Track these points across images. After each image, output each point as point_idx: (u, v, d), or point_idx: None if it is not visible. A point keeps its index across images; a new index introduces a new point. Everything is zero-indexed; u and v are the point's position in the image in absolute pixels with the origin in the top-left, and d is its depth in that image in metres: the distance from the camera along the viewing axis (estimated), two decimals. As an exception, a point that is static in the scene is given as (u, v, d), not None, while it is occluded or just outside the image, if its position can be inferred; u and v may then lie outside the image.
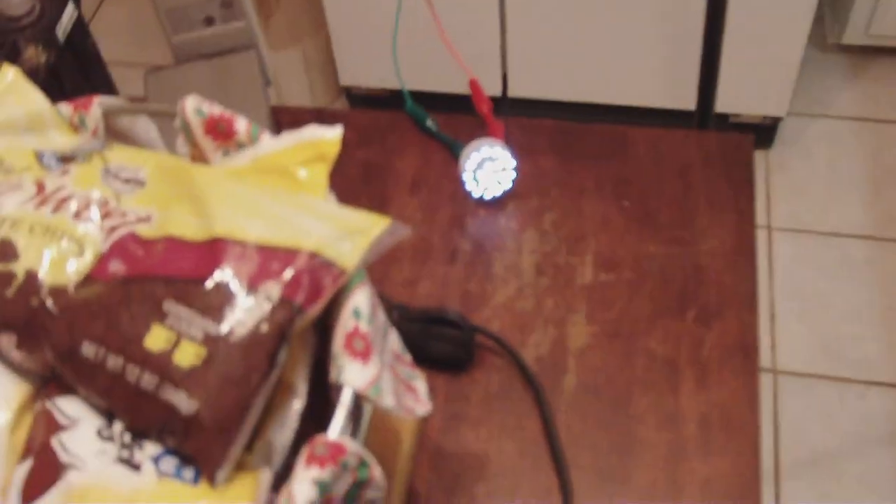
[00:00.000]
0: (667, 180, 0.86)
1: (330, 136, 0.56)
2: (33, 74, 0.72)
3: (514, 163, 0.84)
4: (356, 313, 0.51)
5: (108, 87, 0.85)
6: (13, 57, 0.72)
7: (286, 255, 0.50)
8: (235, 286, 0.49)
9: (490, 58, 1.77)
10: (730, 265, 0.81)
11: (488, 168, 0.83)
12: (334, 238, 0.52)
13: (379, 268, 0.82)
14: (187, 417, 0.47)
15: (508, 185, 0.85)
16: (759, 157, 1.86)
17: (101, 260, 0.53)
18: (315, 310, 0.50)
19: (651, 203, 0.85)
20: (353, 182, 0.88)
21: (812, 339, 1.64)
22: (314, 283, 0.50)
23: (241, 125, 0.59)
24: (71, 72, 0.77)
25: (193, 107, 0.59)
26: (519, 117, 0.91)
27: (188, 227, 0.53)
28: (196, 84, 0.88)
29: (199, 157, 0.61)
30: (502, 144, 0.84)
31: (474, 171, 0.83)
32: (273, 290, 0.49)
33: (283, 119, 0.93)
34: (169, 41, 0.90)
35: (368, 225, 0.53)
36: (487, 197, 0.85)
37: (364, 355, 0.50)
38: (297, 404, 0.52)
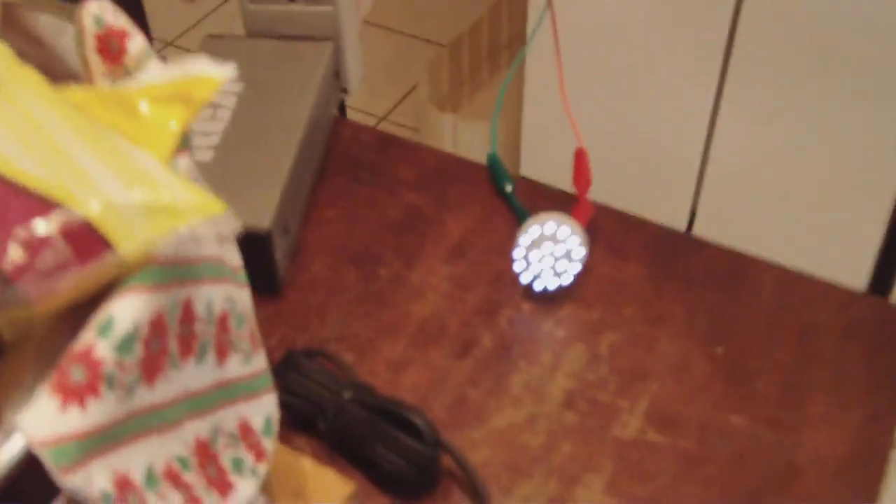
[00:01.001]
0: (786, 338, 0.62)
1: (213, 75, 0.38)
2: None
3: (583, 252, 0.63)
4: (104, 328, 0.32)
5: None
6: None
7: (40, 206, 0.32)
8: (-59, 226, 0.31)
9: (683, 191, 1.56)
10: (839, 481, 0.55)
11: (547, 250, 0.62)
12: (130, 208, 0.33)
13: (366, 335, 0.62)
14: None
15: (568, 280, 0.63)
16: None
17: None
18: (42, 294, 0.31)
19: (753, 361, 0.61)
20: (387, 227, 0.69)
21: None
22: (56, 257, 0.31)
23: (135, 45, 0.41)
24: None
25: (94, 12, 0.43)
26: (622, 212, 0.70)
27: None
28: (251, 61, 0.73)
29: (89, 81, 0.44)
30: (577, 228, 0.62)
31: (527, 249, 0.63)
32: (-11, 247, 0.31)
33: (344, 132, 0.76)
34: (243, 9, 0.75)
35: (187, 206, 0.34)
36: (538, 288, 0.64)
37: (79, 395, 0.30)
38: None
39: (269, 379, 0.43)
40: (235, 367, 0.40)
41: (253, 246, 0.62)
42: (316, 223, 0.69)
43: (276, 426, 0.42)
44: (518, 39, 1.97)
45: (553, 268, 0.63)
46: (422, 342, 0.62)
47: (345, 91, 0.78)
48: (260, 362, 0.42)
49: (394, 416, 0.55)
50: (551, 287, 0.63)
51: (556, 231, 0.62)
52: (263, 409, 0.42)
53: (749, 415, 0.58)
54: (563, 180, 0.72)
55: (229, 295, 0.40)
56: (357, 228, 0.69)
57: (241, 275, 0.45)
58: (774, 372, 0.60)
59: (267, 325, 0.63)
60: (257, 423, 0.41)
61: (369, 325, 0.63)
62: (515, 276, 0.65)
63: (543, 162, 1.66)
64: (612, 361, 0.61)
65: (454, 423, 0.58)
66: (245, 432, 0.40)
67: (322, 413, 0.56)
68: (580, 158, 0.70)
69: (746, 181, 1.49)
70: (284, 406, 0.57)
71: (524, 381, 0.60)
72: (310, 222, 0.69)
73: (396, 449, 0.54)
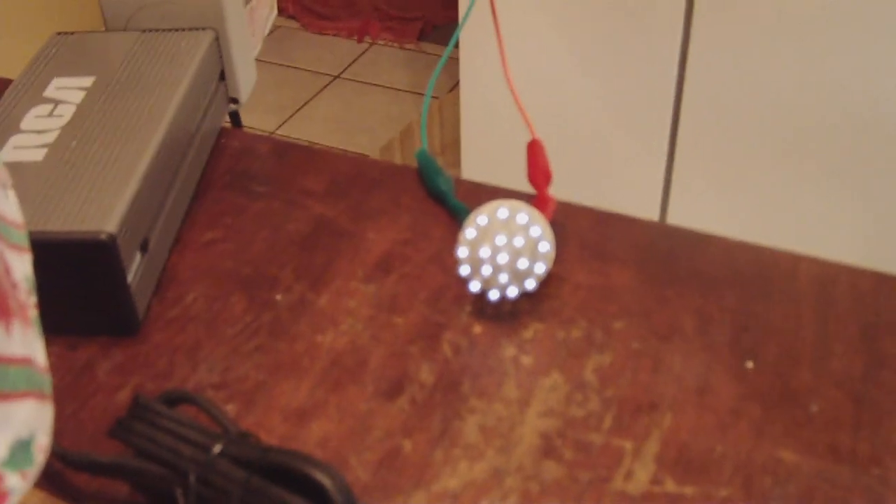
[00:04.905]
0: (842, 343, 0.45)
1: None
2: None
3: (548, 246, 0.45)
4: None
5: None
6: None
7: None
8: None
9: (653, 184, 1.43)
10: (950, 525, 0.37)
11: (502, 242, 0.45)
12: None
13: (255, 378, 0.44)
14: None
15: (533, 285, 0.46)
16: None
17: None
18: None
19: (800, 375, 0.43)
20: (285, 244, 0.51)
21: None
22: None
23: None
24: None
25: None
26: (593, 209, 0.53)
27: None
28: (106, 56, 0.56)
29: None
30: (539, 217, 0.46)
31: (475, 245, 0.45)
32: None
33: (232, 143, 0.59)
34: (100, 2, 0.59)
35: None
36: (493, 297, 0.47)
37: None
38: None
39: (34, 378, 0.25)
40: None
41: (93, 262, 0.44)
42: (192, 247, 0.51)
43: (37, 457, 0.24)
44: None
45: (512, 267, 0.45)
46: (334, 381, 0.44)
47: (235, 101, 0.62)
48: (15, 346, 0.24)
49: (288, 474, 0.36)
50: (511, 294, 0.46)
51: (511, 217, 0.45)
52: (13, 425, 0.23)
53: (806, 446, 0.40)
54: (511, 184, 0.56)
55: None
56: (246, 249, 0.51)
57: (18, 234, 0.28)
58: (833, 387, 0.43)
59: (115, 374, 0.44)
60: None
61: (261, 365, 0.45)
62: (461, 291, 0.47)
63: (487, 166, 1.51)
64: (605, 391, 0.43)
65: (382, 486, 0.39)
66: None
67: (182, 479, 0.37)
68: (535, 150, 0.54)
69: (717, 169, 1.38)
70: (126, 474, 0.38)
71: (481, 424, 0.42)
72: (184, 247, 0.51)
73: (293, 524, 0.35)
